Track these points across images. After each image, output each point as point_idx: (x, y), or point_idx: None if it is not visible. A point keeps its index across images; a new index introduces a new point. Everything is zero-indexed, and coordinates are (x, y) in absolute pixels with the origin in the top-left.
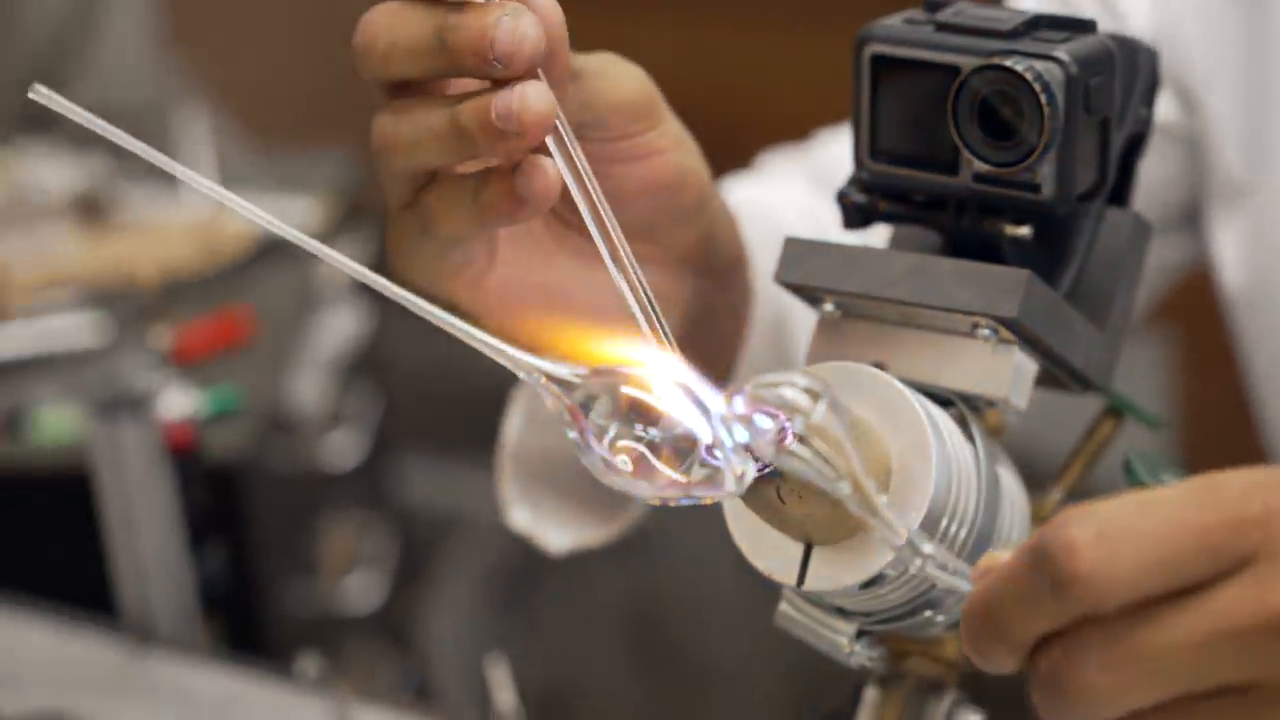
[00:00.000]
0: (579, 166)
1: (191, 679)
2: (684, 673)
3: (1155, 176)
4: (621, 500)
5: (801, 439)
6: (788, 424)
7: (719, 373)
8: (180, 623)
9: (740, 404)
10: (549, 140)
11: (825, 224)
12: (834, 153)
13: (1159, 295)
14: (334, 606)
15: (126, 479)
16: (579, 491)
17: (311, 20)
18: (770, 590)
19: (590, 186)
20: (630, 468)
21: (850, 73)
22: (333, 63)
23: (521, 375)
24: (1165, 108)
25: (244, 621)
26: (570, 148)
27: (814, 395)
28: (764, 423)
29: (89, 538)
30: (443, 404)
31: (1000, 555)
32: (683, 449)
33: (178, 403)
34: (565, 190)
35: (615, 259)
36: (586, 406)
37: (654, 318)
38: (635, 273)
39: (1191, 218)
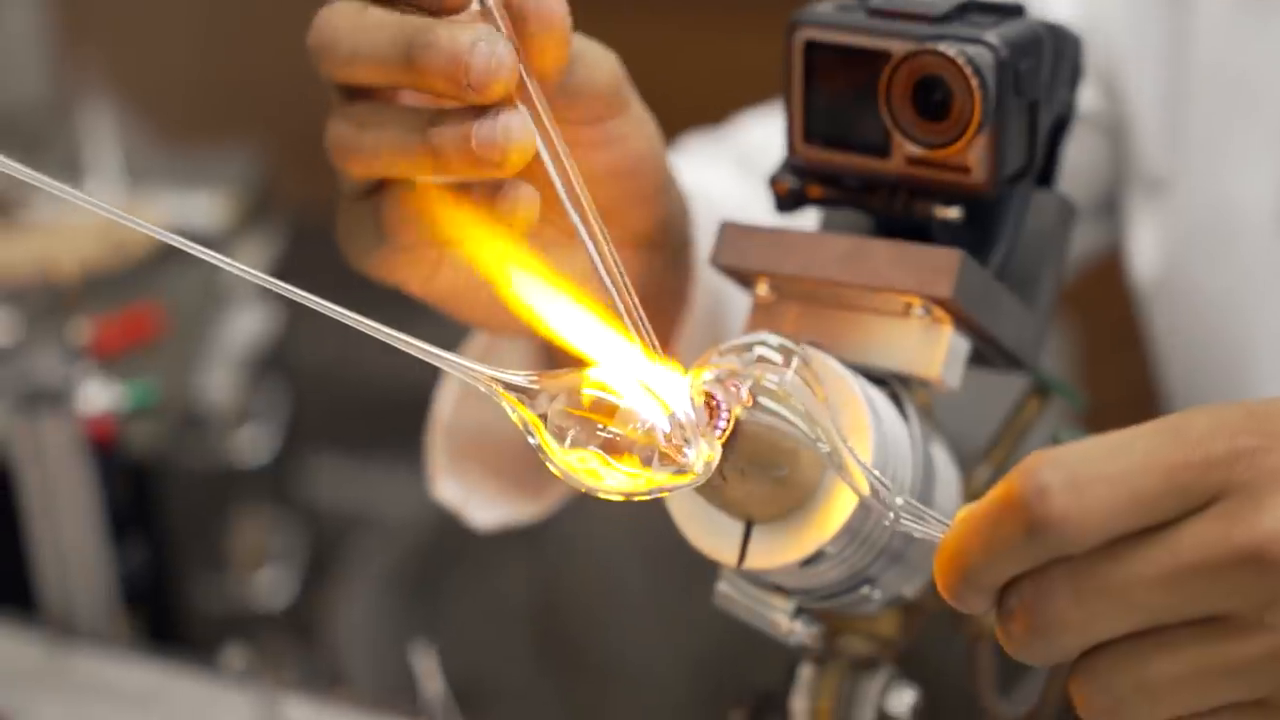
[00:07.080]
0: (563, 161)
1: (115, 672)
2: (589, 666)
3: (1076, 164)
4: (550, 477)
5: (776, 396)
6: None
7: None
8: (101, 616)
9: (709, 374)
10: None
11: (756, 211)
12: (757, 137)
13: (1065, 283)
14: (246, 602)
15: (47, 473)
16: (508, 467)
17: (215, 13)
18: (678, 585)
19: (573, 178)
20: (595, 467)
21: (782, 60)
22: (238, 56)
23: (481, 388)
24: (1089, 97)
25: (162, 615)
26: (558, 149)
27: (787, 353)
28: (737, 387)
29: (9, 532)
30: (349, 402)
31: (970, 508)
32: (646, 441)
33: (98, 397)
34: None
35: (595, 244)
36: (544, 414)
37: (632, 308)
38: (618, 270)
39: (1110, 206)
